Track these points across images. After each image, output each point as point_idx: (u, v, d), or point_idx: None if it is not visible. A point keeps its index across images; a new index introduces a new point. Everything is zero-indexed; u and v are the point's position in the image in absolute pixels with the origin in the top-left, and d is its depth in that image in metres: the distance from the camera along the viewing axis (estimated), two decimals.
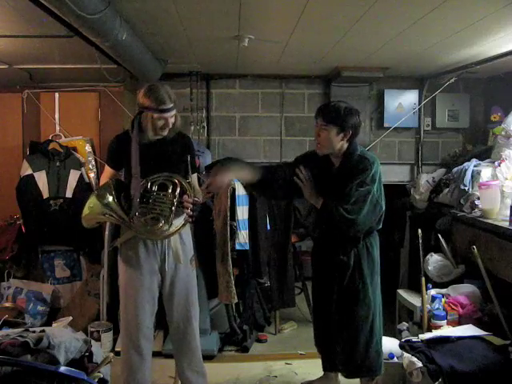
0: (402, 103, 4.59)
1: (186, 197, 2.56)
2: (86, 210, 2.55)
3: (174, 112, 2.57)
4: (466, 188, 3.71)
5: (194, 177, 2.81)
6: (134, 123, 2.57)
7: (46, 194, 4.19)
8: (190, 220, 2.60)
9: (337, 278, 2.71)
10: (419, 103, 4.58)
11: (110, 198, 2.52)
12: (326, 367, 2.96)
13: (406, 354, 2.80)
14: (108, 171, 2.75)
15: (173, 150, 2.68)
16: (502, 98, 4.28)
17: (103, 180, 2.75)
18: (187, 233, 2.77)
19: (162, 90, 2.53)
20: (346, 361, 2.75)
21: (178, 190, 2.55)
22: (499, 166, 3.60)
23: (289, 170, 2.77)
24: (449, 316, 3.23)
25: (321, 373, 3.22)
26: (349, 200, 2.53)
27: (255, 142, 4.69)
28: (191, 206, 2.56)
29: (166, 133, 2.61)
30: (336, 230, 2.67)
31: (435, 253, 3.80)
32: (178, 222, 2.62)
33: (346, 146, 2.63)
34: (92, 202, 2.54)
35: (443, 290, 3.48)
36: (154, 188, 2.55)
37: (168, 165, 2.63)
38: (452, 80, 4.17)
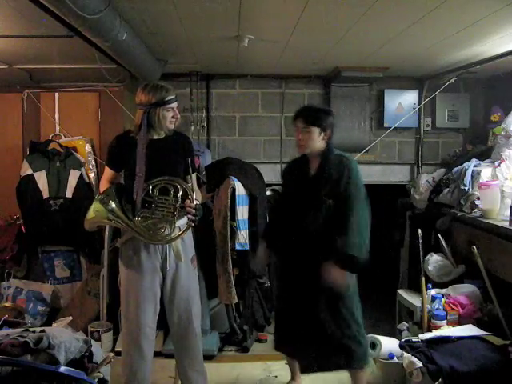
0: (402, 103, 4.59)
1: (188, 201, 2.55)
2: (91, 214, 2.54)
3: (177, 102, 2.66)
4: (466, 188, 3.71)
5: (193, 177, 2.81)
6: (142, 123, 2.56)
7: (46, 194, 4.19)
8: (193, 224, 2.60)
9: (318, 278, 2.67)
10: (419, 103, 4.58)
11: (114, 204, 2.52)
12: (306, 368, 2.90)
13: (405, 354, 2.80)
14: (108, 173, 2.74)
15: (173, 150, 2.69)
16: (502, 98, 4.28)
17: (103, 182, 2.74)
18: (187, 231, 2.77)
19: (160, 84, 2.63)
20: (327, 354, 2.74)
21: (180, 194, 2.54)
22: (499, 166, 3.60)
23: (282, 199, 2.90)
24: (449, 316, 3.23)
25: (320, 373, 3.22)
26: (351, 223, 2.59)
27: (255, 142, 4.69)
28: (193, 210, 2.56)
29: (173, 126, 2.66)
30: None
31: (435, 253, 3.80)
32: (180, 226, 2.62)
33: (324, 145, 2.78)
34: (97, 207, 2.53)
35: (443, 290, 3.48)
36: (156, 192, 2.55)
37: (168, 165, 2.63)
38: (452, 80, 4.17)
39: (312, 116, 2.75)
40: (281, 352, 3.04)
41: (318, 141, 2.75)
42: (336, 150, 2.83)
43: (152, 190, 2.55)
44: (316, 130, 2.73)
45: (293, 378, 3.15)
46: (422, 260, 3.47)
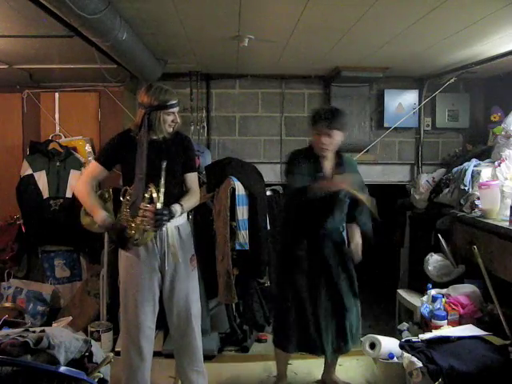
0: (402, 103, 4.58)
1: (148, 206, 2.46)
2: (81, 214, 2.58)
3: (178, 107, 2.66)
4: (466, 188, 3.71)
5: (194, 176, 2.79)
6: (142, 123, 2.56)
7: (46, 194, 4.19)
8: (155, 229, 2.51)
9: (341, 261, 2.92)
10: (419, 103, 4.58)
11: (107, 204, 2.53)
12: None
13: (405, 354, 2.80)
14: (97, 168, 2.68)
15: (171, 150, 2.68)
16: (502, 97, 4.28)
17: (86, 178, 2.68)
18: (186, 231, 2.77)
19: (165, 87, 2.62)
20: (347, 337, 2.91)
21: (148, 196, 2.49)
22: (499, 165, 3.60)
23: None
24: (449, 316, 3.23)
25: (320, 372, 3.23)
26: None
27: (255, 142, 4.69)
28: (150, 214, 2.45)
29: (172, 130, 2.66)
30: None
31: (435, 253, 3.80)
32: (179, 225, 2.67)
33: None
34: None
35: (443, 290, 3.48)
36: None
37: (167, 166, 2.62)
38: (452, 80, 4.16)
39: (335, 121, 2.81)
40: (302, 352, 3.01)
41: (338, 144, 2.86)
42: None
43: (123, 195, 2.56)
44: (339, 134, 2.83)
45: (280, 380, 3.17)
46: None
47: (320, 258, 2.88)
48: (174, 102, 2.60)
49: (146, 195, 2.48)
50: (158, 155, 2.60)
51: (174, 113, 2.62)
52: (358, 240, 2.92)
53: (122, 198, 2.57)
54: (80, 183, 2.71)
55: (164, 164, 2.53)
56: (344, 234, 3.02)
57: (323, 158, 2.90)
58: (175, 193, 2.67)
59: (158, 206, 2.48)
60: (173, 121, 2.63)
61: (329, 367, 3.18)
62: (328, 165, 2.91)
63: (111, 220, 2.55)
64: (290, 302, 2.89)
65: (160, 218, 2.46)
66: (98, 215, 2.58)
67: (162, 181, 2.51)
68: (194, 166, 2.81)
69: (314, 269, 2.88)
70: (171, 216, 2.53)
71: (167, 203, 2.54)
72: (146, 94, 2.57)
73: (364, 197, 2.76)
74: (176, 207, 2.57)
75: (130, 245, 2.53)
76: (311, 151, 2.92)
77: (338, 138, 2.83)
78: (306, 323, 2.84)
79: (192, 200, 2.72)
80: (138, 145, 2.56)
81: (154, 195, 2.47)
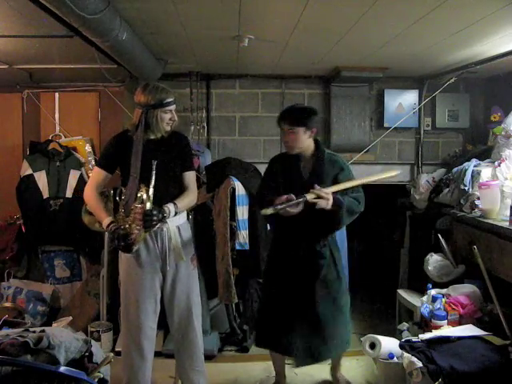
0: (402, 103, 4.58)
1: (138, 206, 2.45)
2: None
3: (175, 105, 2.66)
4: (466, 188, 3.71)
5: (192, 175, 2.78)
6: (139, 122, 2.56)
7: (46, 194, 4.20)
8: (144, 230, 2.48)
9: (315, 270, 2.81)
10: (419, 103, 4.58)
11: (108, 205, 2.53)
12: (302, 361, 2.90)
13: (405, 354, 2.80)
14: (99, 174, 2.67)
15: (169, 149, 2.68)
16: (502, 98, 4.28)
17: (92, 186, 2.66)
18: (187, 231, 2.77)
19: (161, 86, 2.63)
20: (324, 343, 2.82)
21: (139, 196, 2.47)
22: (499, 166, 3.60)
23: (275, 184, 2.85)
24: (449, 316, 3.23)
25: (321, 373, 3.23)
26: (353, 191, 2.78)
27: (255, 142, 4.69)
28: (139, 215, 2.44)
29: (169, 128, 2.66)
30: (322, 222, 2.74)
31: (435, 253, 3.80)
32: (179, 224, 2.67)
33: (312, 143, 2.85)
34: None
35: (443, 290, 3.48)
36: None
37: (164, 165, 2.61)
38: (452, 80, 4.16)
39: (295, 117, 2.78)
40: (271, 349, 3.01)
41: (304, 140, 2.79)
42: (326, 149, 2.92)
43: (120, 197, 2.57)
44: (301, 130, 2.76)
45: (278, 381, 3.15)
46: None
47: (299, 266, 2.81)
48: (170, 99, 2.60)
49: (139, 195, 2.47)
50: (152, 155, 2.58)
51: (171, 111, 2.62)
52: (328, 192, 2.59)
53: (117, 199, 2.57)
54: (87, 189, 2.70)
55: (155, 164, 2.51)
56: (334, 239, 2.92)
57: (301, 159, 2.84)
58: (171, 192, 2.65)
59: (148, 206, 2.46)
60: (170, 119, 2.63)
61: (333, 364, 3.21)
62: (306, 165, 2.84)
63: (116, 225, 2.51)
64: (266, 303, 2.97)
65: (149, 219, 2.44)
66: (104, 220, 2.57)
67: (153, 181, 2.50)
68: (191, 164, 2.80)
69: (294, 275, 2.83)
70: (163, 216, 2.50)
71: (162, 203, 2.53)
72: (143, 93, 2.57)
73: (350, 183, 2.75)
74: (169, 207, 2.55)
75: (133, 248, 2.51)
76: (287, 153, 2.89)
77: (301, 134, 2.75)
78: (277, 324, 2.83)
79: (187, 199, 2.70)
80: (133, 144, 2.56)
81: (144, 195, 2.47)
